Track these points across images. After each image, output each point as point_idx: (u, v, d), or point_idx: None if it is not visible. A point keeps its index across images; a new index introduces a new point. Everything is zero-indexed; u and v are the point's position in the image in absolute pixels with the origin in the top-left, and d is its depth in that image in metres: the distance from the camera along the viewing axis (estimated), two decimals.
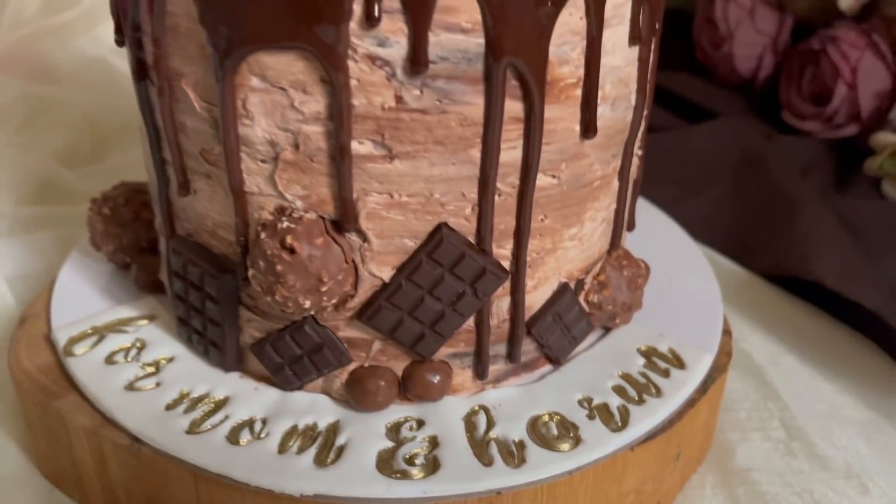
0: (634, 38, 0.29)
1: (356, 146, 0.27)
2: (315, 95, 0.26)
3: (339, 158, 0.27)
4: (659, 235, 0.44)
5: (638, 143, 0.34)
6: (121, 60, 0.72)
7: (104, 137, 0.61)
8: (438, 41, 0.25)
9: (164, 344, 0.34)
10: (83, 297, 0.38)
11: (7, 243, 0.45)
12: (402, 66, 0.26)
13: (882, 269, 0.49)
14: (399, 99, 0.26)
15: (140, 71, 0.30)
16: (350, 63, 0.25)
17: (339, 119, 0.26)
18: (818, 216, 0.51)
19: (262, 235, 0.28)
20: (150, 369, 0.33)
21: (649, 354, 0.35)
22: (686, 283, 0.40)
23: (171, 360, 0.34)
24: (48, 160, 0.54)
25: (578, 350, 0.35)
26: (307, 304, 0.28)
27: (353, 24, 0.25)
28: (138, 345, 0.34)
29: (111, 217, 0.38)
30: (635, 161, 0.34)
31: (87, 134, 0.60)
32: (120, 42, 0.33)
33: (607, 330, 0.37)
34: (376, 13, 0.25)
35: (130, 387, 0.32)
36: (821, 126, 0.65)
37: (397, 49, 0.25)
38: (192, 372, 0.33)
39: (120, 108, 0.64)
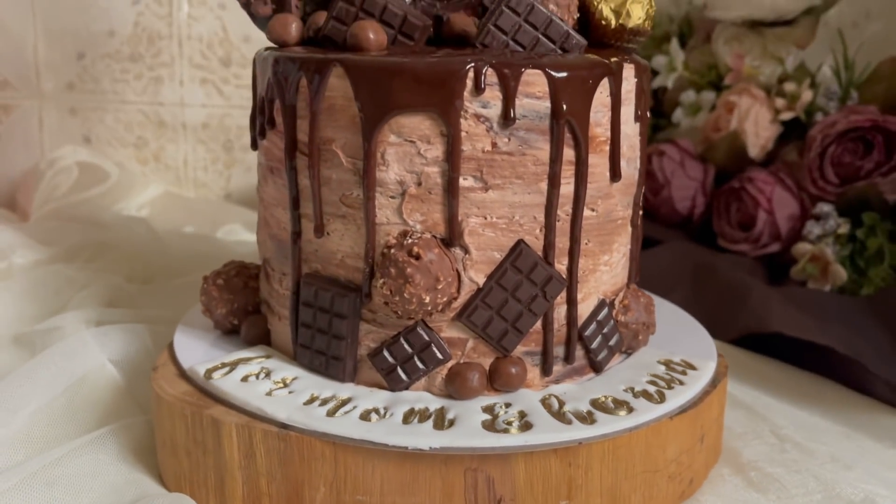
0: (637, 117, 0.43)
1: (462, 181, 0.38)
2: (436, 144, 0.38)
3: (451, 191, 0.38)
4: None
5: (640, 201, 0.46)
6: (155, 223, 0.83)
7: (153, 270, 0.70)
8: (521, 104, 0.38)
9: (285, 369, 0.42)
10: (201, 351, 0.45)
11: (110, 331, 0.52)
12: (497, 121, 0.38)
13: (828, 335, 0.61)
14: (494, 145, 0.38)
15: (291, 147, 0.41)
16: (462, 120, 0.37)
17: (452, 161, 0.38)
18: (768, 294, 0.63)
19: (392, 251, 0.38)
20: (280, 384, 0.41)
21: (667, 363, 0.45)
22: (680, 327, 0.51)
23: (295, 378, 0.41)
24: (116, 278, 0.63)
25: (612, 364, 0.45)
26: (427, 299, 0.38)
27: (466, 93, 0.37)
28: (265, 371, 0.42)
29: (224, 286, 0.47)
30: (639, 219, 0.46)
31: (139, 267, 0.69)
32: (256, 143, 0.44)
33: (629, 354, 0.47)
34: (482, 86, 0.37)
35: (269, 394, 0.40)
36: (750, 247, 0.80)
37: (494, 109, 0.37)
38: (316, 383, 0.41)
39: (162, 251, 0.74)
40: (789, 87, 0.82)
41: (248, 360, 0.43)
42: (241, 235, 0.88)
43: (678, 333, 0.50)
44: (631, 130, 0.42)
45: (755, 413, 0.52)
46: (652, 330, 0.46)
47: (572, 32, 0.40)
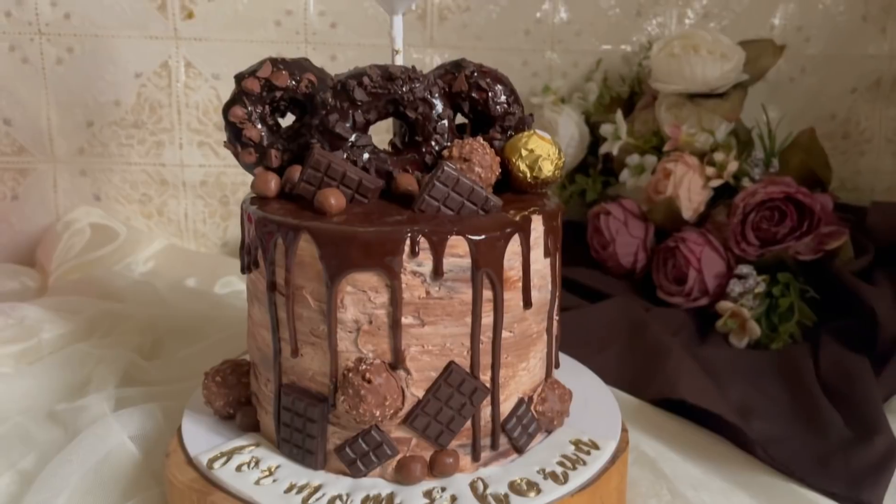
0: (547, 253, 0.53)
1: (404, 320, 0.49)
2: (382, 293, 0.49)
3: (395, 327, 0.49)
4: (578, 376, 0.66)
5: (555, 312, 0.57)
6: (160, 275, 0.94)
7: (159, 338, 0.81)
8: (448, 262, 0.48)
9: (271, 458, 0.53)
10: (204, 437, 0.56)
11: (129, 412, 0.63)
12: (430, 275, 0.48)
13: (728, 393, 0.72)
14: (428, 292, 0.49)
15: (272, 287, 0.52)
16: (402, 275, 0.48)
17: (395, 305, 0.49)
18: (682, 359, 0.74)
19: (350, 374, 0.49)
20: (266, 473, 0.52)
21: (577, 443, 0.56)
22: (596, 404, 0.62)
23: (278, 466, 0.53)
24: (130, 354, 0.74)
25: (533, 444, 0.56)
26: (377, 412, 0.49)
27: (404, 256, 0.48)
28: (255, 460, 0.53)
29: (222, 382, 0.58)
30: (555, 324, 0.57)
31: (148, 336, 0.80)
32: (244, 270, 0.55)
33: (549, 432, 0.58)
34: (416, 251, 0.48)
35: (257, 482, 0.51)
36: (682, 299, 0.91)
37: (427, 266, 0.48)
38: (294, 472, 0.52)
39: (167, 315, 0.85)
40: (718, 156, 0.92)
41: (241, 449, 0.55)
42: (236, 286, 0.99)
43: (594, 411, 0.61)
44: (541, 266, 0.53)
45: (657, 470, 0.63)
46: (566, 415, 0.58)
47: (490, 196, 0.51)
